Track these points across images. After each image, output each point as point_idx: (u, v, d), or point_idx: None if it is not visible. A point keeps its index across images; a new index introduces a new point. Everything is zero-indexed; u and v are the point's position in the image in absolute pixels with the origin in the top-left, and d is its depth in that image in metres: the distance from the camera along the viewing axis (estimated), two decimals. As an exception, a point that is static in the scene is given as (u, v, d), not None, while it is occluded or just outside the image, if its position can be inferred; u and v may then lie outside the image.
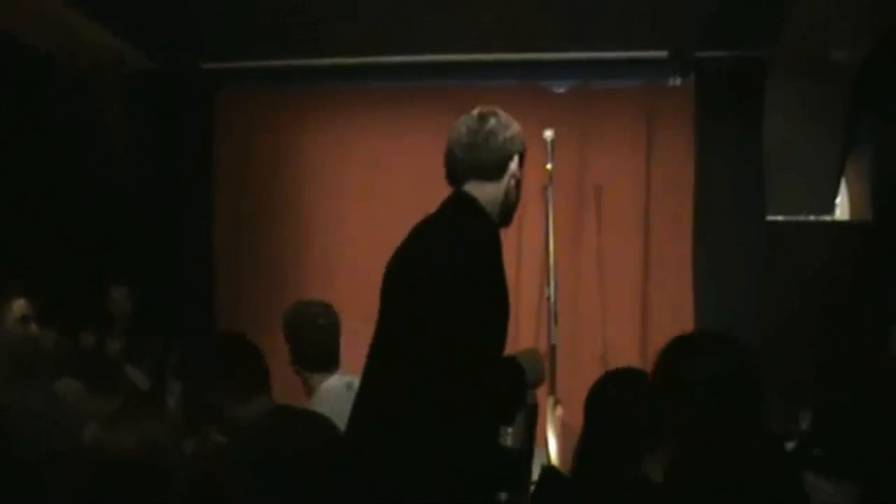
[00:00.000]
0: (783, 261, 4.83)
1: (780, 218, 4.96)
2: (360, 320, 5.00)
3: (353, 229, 5.18)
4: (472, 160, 2.57)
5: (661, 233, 5.00)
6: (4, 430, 2.63)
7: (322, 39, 4.84)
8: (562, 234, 4.49)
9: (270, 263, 5.19)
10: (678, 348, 1.99)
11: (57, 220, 4.89)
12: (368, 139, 5.18)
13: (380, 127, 5.19)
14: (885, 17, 4.14)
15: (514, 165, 2.61)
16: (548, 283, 4.13)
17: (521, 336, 4.62)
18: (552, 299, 4.08)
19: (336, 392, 3.31)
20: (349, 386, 3.35)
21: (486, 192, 2.57)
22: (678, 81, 5.07)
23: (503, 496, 2.41)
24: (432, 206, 5.49)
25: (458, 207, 2.59)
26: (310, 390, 3.36)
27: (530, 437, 2.51)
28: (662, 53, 4.92)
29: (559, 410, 3.66)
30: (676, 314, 4.91)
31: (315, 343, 3.34)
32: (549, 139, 4.10)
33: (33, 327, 3.23)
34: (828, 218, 5.00)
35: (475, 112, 2.67)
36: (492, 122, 2.64)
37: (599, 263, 5.00)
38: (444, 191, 5.67)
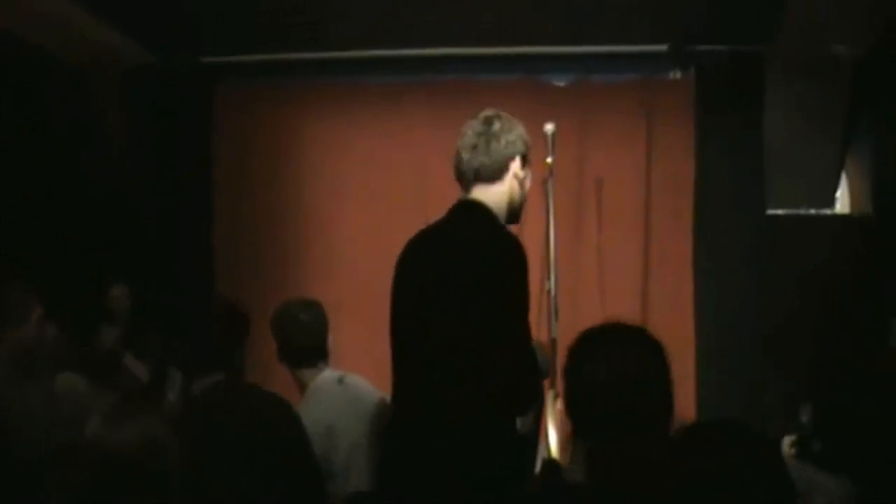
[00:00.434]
0: (784, 255, 4.83)
1: (780, 212, 4.95)
2: (360, 318, 5.07)
3: (354, 228, 5.17)
4: (475, 163, 2.72)
5: (660, 226, 5.00)
6: (5, 428, 2.64)
7: (322, 34, 4.84)
8: (562, 228, 4.49)
9: (270, 263, 5.19)
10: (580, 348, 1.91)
11: (57, 220, 4.88)
12: (369, 134, 5.17)
13: (380, 122, 5.18)
14: (884, 13, 4.13)
15: (515, 166, 2.74)
16: (548, 277, 4.13)
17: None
18: (552, 293, 4.08)
19: (327, 387, 3.35)
20: (341, 380, 3.39)
21: (491, 194, 2.72)
22: (678, 75, 5.05)
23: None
24: (432, 202, 5.53)
25: (464, 213, 2.74)
26: (301, 386, 3.39)
27: (536, 425, 2.74)
28: (663, 47, 4.91)
29: (559, 404, 3.66)
30: (676, 307, 4.92)
31: (298, 339, 3.38)
32: (549, 133, 4.10)
33: (50, 328, 3.25)
34: (828, 211, 5.00)
35: (481, 115, 2.81)
36: (496, 125, 2.77)
37: (599, 257, 5.00)
38: (444, 187, 5.67)
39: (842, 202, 5.03)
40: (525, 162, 2.79)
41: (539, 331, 4.67)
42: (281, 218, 5.23)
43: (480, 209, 2.71)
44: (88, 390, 3.26)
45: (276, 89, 5.30)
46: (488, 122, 2.77)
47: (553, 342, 4.03)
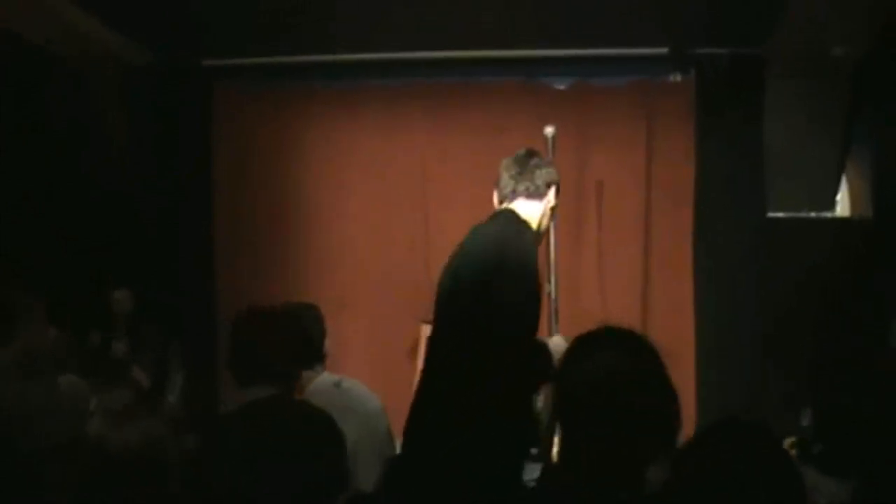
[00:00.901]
0: (784, 257, 4.83)
1: (780, 214, 4.96)
2: (361, 318, 5.06)
3: (353, 228, 5.18)
4: (524, 180, 3.14)
5: (661, 229, 5.00)
6: (6, 427, 2.64)
7: (321, 36, 4.84)
8: (562, 231, 4.48)
9: (270, 263, 5.19)
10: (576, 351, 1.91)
11: (56, 220, 4.88)
12: (368, 136, 5.17)
13: (380, 124, 5.18)
14: (883, 14, 4.14)
15: (552, 192, 3.20)
16: (549, 280, 4.13)
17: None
18: (553, 295, 4.07)
19: (324, 391, 3.35)
20: (338, 384, 3.41)
21: (529, 209, 3.14)
22: (678, 78, 5.06)
23: (535, 451, 3.01)
24: (432, 203, 5.52)
25: (508, 218, 3.12)
26: (299, 389, 3.39)
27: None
28: (663, 50, 4.91)
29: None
30: (676, 310, 4.92)
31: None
32: (549, 136, 4.09)
33: (52, 329, 3.26)
34: (828, 214, 5.00)
35: (522, 151, 3.26)
36: (537, 157, 3.26)
37: (600, 259, 5.00)
38: (443, 188, 5.67)
39: (842, 205, 5.04)
40: (557, 192, 3.25)
41: (539, 332, 4.69)
42: (281, 218, 5.23)
43: (513, 214, 3.11)
44: (88, 393, 3.26)
45: (275, 91, 5.30)
46: (531, 153, 3.23)
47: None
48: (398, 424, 3.24)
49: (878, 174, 4.78)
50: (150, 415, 2.27)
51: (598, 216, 5.02)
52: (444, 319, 3.06)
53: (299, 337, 2.88)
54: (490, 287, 2.84)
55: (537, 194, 3.16)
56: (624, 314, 4.94)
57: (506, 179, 3.16)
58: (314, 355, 3.42)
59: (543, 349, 2.97)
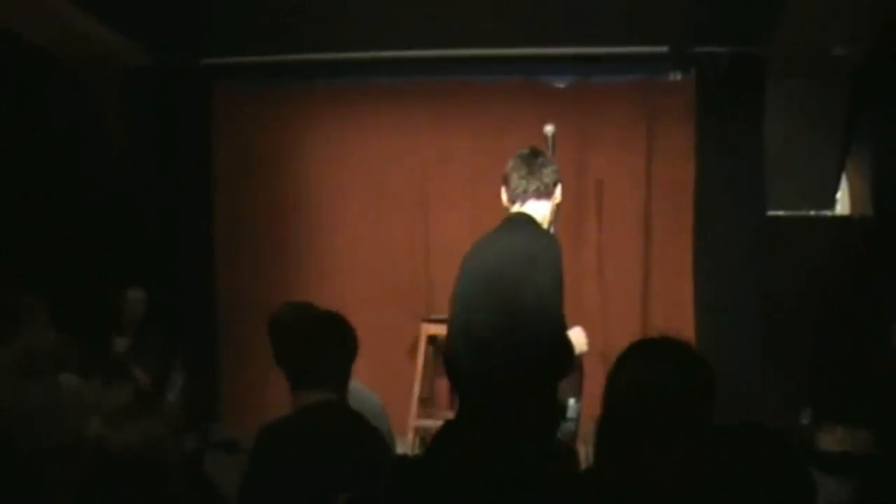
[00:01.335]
0: (784, 256, 4.84)
1: (780, 213, 4.96)
2: (361, 318, 5.05)
3: (353, 228, 5.18)
4: (535, 180, 3.18)
5: (661, 227, 5.01)
6: (6, 427, 2.64)
7: (321, 35, 4.84)
8: (562, 229, 4.48)
9: (271, 263, 5.19)
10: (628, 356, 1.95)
11: (57, 220, 4.88)
12: (369, 135, 5.17)
13: (381, 123, 5.19)
14: (883, 14, 4.14)
15: (559, 190, 3.24)
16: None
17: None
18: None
19: None
20: None
21: (539, 209, 3.19)
22: (679, 77, 5.07)
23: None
24: (433, 202, 5.50)
25: (515, 222, 3.19)
26: None
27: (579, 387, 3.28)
28: (663, 49, 4.91)
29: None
30: (676, 308, 4.92)
31: None
32: (549, 134, 4.09)
33: (52, 329, 3.25)
34: (828, 213, 5.00)
35: (526, 150, 3.28)
36: (542, 155, 3.30)
37: (600, 258, 5.00)
38: (444, 187, 5.65)
39: (842, 204, 5.04)
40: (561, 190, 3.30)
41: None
42: (281, 218, 5.24)
43: (526, 217, 3.17)
44: (88, 392, 3.26)
45: (275, 90, 5.31)
46: (535, 153, 3.27)
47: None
48: (398, 424, 3.23)
49: (878, 174, 4.78)
50: (150, 415, 2.27)
51: (598, 215, 5.02)
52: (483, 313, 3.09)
53: (354, 342, 2.84)
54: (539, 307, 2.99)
55: (546, 193, 3.20)
56: (624, 314, 4.94)
57: (516, 180, 3.21)
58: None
59: (568, 342, 3.12)
